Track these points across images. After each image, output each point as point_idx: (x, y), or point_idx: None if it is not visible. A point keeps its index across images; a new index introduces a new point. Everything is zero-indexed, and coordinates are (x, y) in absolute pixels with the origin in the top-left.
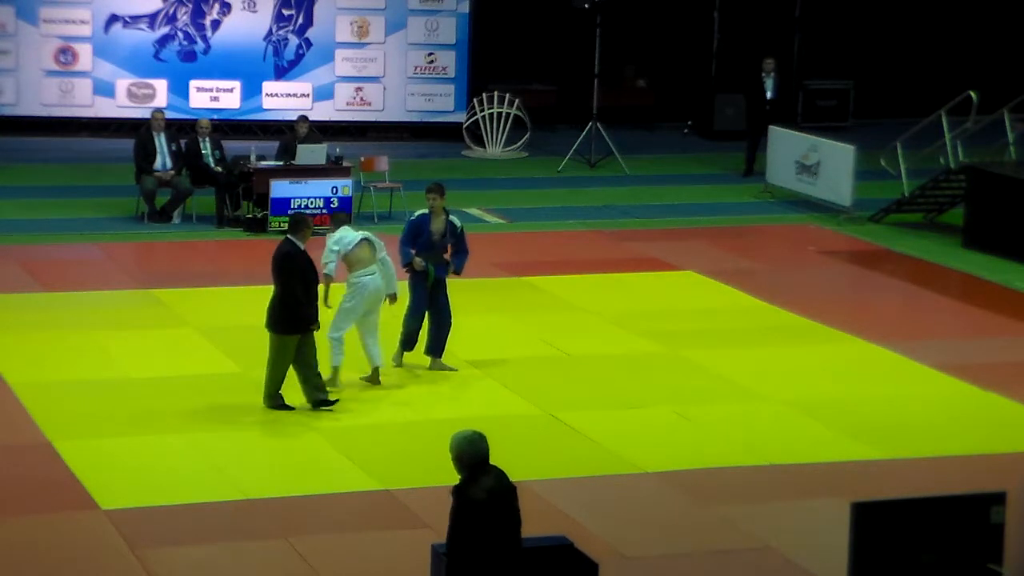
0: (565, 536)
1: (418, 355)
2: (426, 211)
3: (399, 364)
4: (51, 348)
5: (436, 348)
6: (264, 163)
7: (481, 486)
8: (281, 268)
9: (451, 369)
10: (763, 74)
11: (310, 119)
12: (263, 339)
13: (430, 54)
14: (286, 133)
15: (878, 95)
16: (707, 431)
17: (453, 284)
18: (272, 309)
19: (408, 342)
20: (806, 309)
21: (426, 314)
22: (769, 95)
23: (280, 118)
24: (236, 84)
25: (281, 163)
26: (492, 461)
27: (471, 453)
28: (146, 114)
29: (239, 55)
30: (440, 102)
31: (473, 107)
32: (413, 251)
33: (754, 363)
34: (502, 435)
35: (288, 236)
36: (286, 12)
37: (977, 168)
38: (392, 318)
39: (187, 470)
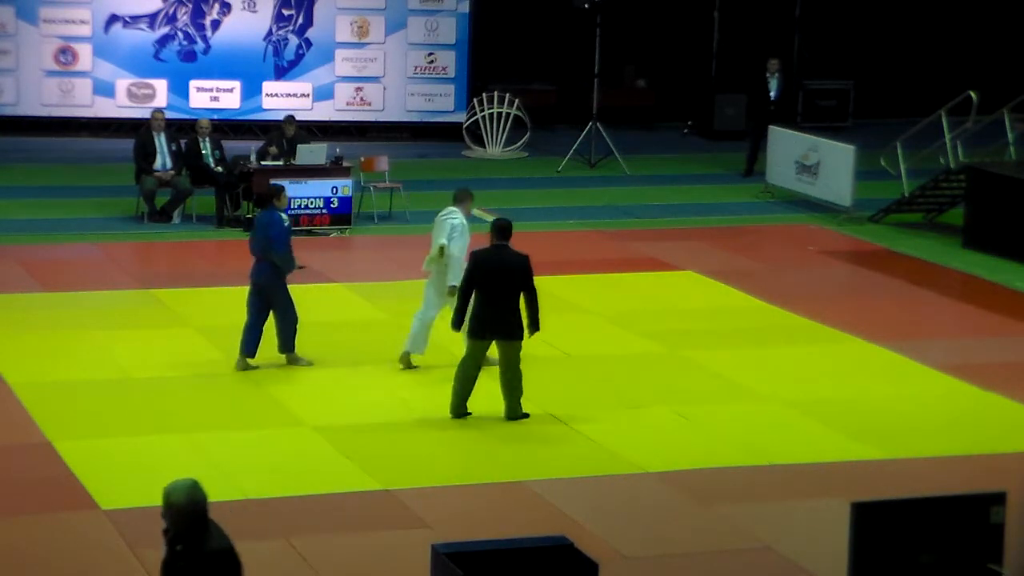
0: (565, 536)
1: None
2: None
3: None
4: (51, 348)
5: (291, 343)
6: (264, 163)
7: (211, 543)
8: (529, 272)
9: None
10: (767, 74)
11: (308, 119)
12: (261, 339)
13: (430, 54)
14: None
15: (878, 95)
16: (707, 431)
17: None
18: (517, 317)
19: (256, 344)
20: (806, 309)
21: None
22: (773, 95)
23: (280, 118)
24: (236, 84)
25: (280, 163)
26: (494, 461)
27: (192, 507)
28: (146, 114)
29: (239, 55)
30: (440, 102)
31: (473, 107)
32: None
33: (754, 363)
34: (502, 435)
35: (502, 243)
36: (286, 12)
37: (977, 168)
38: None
39: (187, 470)
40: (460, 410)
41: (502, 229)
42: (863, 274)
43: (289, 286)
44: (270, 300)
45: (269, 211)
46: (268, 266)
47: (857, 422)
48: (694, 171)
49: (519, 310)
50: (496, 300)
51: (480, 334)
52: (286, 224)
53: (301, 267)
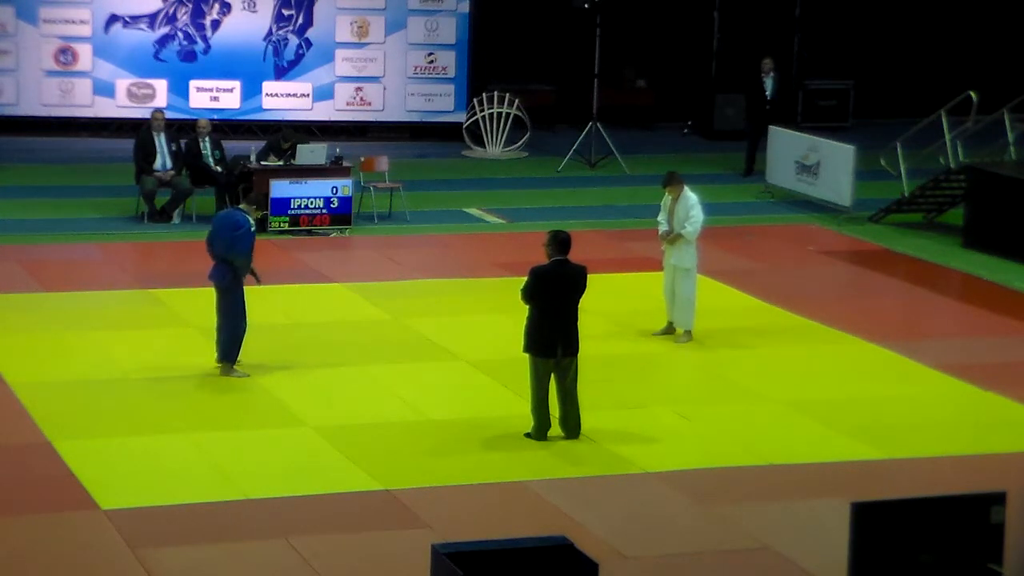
0: (565, 536)
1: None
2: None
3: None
4: (51, 348)
5: (233, 354)
6: (264, 163)
7: None
8: (585, 285)
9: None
10: (762, 74)
11: (308, 119)
12: (261, 339)
13: (430, 54)
14: (281, 130)
15: (878, 95)
16: (707, 431)
17: (455, 284)
18: (575, 332)
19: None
20: (806, 309)
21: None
22: (769, 94)
23: (280, 118)
24: (236, 84)
25: (280, 163)
26: (494, 461)
27: None
28: (146, 114)
29: (239, 55)
30: (440, 102)
31: (473, 107)
32: None
33: (754, 363)
34: (502, 435)
35: (563, 257)
36: (286, 12)
37: (977, 168)
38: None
39: (187, 470)
40: (544, 435)
41: (563, 243)
42: (863, 274)
43: (290, 286)
44: (222, 303)
45: (231, 211)
46: (228, 269)
47: (857, 422)
48: (694, 171)
49: (576, 324)
50: (564, 316)
51: (548, 352)
52: (252, 228)
53: (255, 275)
